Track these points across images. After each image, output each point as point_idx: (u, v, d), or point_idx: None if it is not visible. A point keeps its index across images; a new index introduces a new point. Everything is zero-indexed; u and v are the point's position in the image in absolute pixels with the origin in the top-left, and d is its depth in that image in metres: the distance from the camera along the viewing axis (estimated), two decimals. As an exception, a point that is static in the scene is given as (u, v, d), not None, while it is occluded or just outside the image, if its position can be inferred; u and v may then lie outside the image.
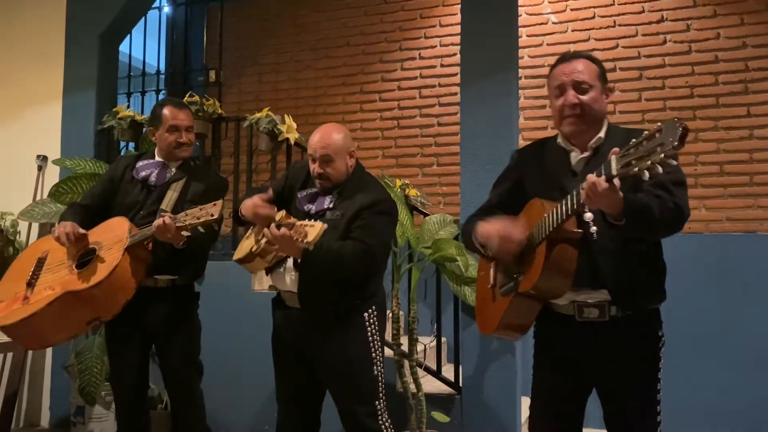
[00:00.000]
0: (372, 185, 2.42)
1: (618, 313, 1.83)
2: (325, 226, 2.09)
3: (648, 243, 1.86)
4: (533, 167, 2.00)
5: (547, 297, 1.85)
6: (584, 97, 1.85)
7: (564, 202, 1.69)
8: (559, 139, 1.95)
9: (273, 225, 2.12)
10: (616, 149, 1.54)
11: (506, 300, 1.88)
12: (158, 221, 2.35)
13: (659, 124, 1.43)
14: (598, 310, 1.83)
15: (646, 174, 1.43)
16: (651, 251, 1.87)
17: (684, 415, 3.50)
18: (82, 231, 2.46)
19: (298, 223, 2.10)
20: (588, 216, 1.75)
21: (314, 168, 2.35)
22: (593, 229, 1.75)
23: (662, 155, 1.39)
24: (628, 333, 1.83)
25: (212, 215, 2.28)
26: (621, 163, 1.50)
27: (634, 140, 1.48)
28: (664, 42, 4.58)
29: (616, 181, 1.55)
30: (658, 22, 4.61)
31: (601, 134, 1.88)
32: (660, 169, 1.43)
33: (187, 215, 2.34)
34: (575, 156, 1.90)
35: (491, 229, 1.86)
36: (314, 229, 2.04)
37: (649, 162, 1.42)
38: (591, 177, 1.58)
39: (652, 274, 1.88)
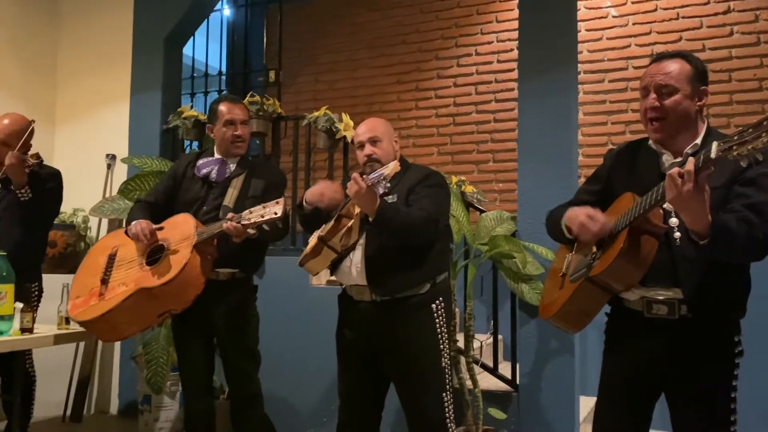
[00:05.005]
0: (416, 166, 2.51)
1: (689, 314, 1.77)
2: (398, 163, 2.19)
3: None
4: (623, 169, 1.96)
5: (616, 286, 1.81)
6: (666, 102, 1.79)
7: (652, 191, 1.66)
8: (650, 141, 1.90)
9: (355, 174, 2.19)
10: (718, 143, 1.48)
11: (573, 286, 1.86)
12: (226, 225, 2.41)
13: None
14: (668, 307, 1.78)
15: (745, 160, 1.39)
16: (735, 266, 1.78)
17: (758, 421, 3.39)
18: (155, 227, 2.55)
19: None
20: (673, 221, 1.73)
21: (363, 153, 2.42)
22: (677, 234, 1.72)
23: (766, 140, 1.34)
24: (699, 335, 1.77)
25: (276, 213, 2.33)
26: (722, 148, 1.43)
27: (740, 128, 1.42)
28: (731, 33, 4.43)
29: (707, 195, 1.50)
30: (724, 13, 4.46)
31: (698, 140, 1.81)
32: (760, 157, 1.38)
33: (251, 213, 2.39)
34: (667, 159, 1.84)
35: (579, 211, 1.85)
36: (388, 167, 2.15)
37: (750, 147, 1.36)
38: (673, 170, 1.52)
39: (733, 287, 1.80)
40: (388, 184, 2.17)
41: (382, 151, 2.41)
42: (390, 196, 2.30)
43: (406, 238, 2.27)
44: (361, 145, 2.43)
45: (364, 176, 2.17)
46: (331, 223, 2.31)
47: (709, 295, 1.75)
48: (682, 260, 1.75)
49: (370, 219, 2.23)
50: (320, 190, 2.39)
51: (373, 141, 2.41)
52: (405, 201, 2.33)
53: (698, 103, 1.82)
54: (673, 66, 1.81)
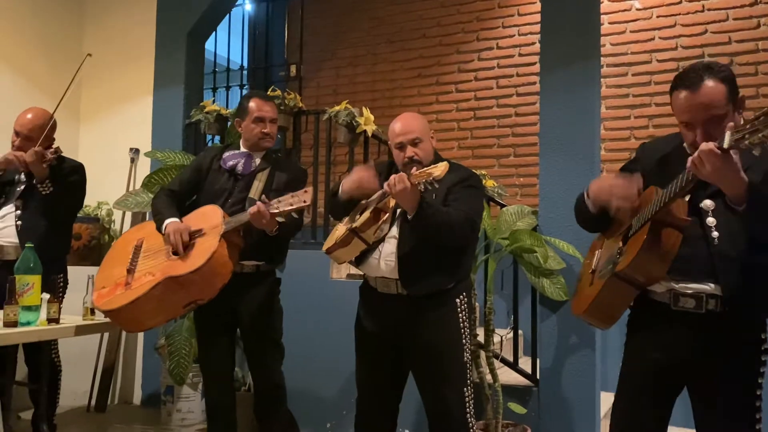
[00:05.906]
0: (455, 165, 2.44)
1: (716, 308, 1.74)
2: (447, 164, 2.10)
3: None
4: (655, 162, 1.94)
5: (642, 281, 1.80)
6: (716, 132, 1.68)
7: (671, 184, 1.65)
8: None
9: (402, 173, 2.15)
10: (732, 123, 1.49)
11: (601, 282, 1.86)
12: (253, 208, 2.43)
13: None
14: (695, 300, 1.76)
15: (758, 149, 1.39)
16: None
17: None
18: (192, 229, 2.55)
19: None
20: (710, 221, 1.72)
21: (404, 154, 2.35)
22: (714, 234, 1.72)
23: None
24: (726, 331, 1.74)
25: (305, 201, 2.36)
26: (734, 138, 1.44)
27: (754, 115, 1.42)
28: (758, 26, 4.35)
29: (735, 157, 1.51)
30: (750, 5, 4.39)
31: None
32: None
33: (280, 202, 2.42)
34: None
35: (604, 180, 1.85)
36: (438, 168, 2.06)
37: (761, 135, 1.37)
38: (704, 145, 1.53)
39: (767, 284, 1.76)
40: (437, 185, 2.11)
41: (424, 151, 2.36)
42: (429, 194, 2.26)
43: (442, 237, 2.25)
44: (401, 146, 2.36)
45: (409, 174, 2.13)
46: (367, 215, 2.27)
47: (746, 293, 1.72)
48: (721, 257, 1.72)
49: (409, 216, 2.21)
50: (357, 180, 2.33)
51: (414, 142, 2.35)
52: (443, 200, 2.31)
53: (741, 113, 1.75)
54: (711, 94, 1.70)
